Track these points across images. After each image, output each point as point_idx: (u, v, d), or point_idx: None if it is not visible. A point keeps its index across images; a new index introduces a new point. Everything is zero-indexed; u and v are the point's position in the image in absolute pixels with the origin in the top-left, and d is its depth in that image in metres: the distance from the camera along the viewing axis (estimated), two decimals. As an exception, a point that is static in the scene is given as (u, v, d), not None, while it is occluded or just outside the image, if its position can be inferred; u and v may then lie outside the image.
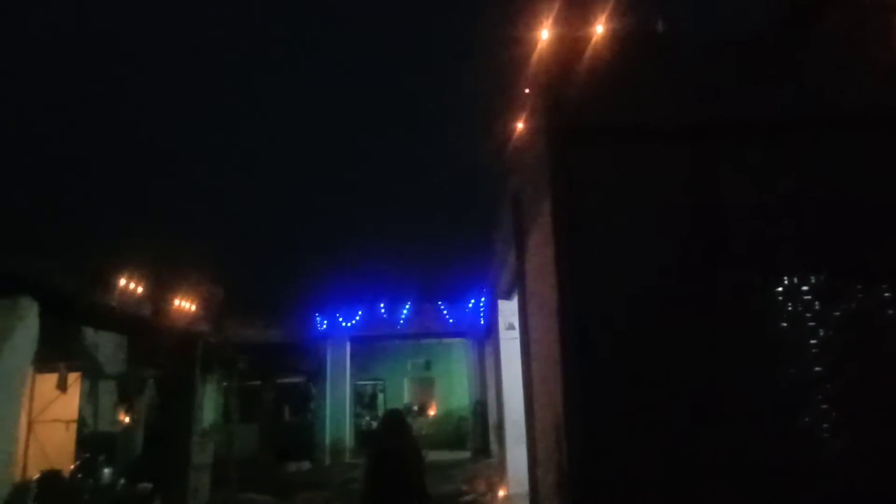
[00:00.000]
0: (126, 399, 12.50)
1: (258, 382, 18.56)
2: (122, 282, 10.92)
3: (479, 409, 18.70)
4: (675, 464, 4.78)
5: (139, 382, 12.81)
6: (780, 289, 5.15)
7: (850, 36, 5.56)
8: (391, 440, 4.93)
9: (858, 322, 5.08)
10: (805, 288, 5.15)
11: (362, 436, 20.28)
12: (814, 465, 4.83)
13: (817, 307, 5.11)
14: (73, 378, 11.23)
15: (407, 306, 19.33)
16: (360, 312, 19.38)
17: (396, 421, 5.17)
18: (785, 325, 5.11)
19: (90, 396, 12.28)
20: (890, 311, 5.10)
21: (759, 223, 5.18)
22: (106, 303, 9.37)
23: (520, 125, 6.74)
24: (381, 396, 24.51)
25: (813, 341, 5.08)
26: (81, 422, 11.55)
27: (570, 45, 5.49)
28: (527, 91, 6.17)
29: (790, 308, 5.14)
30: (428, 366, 23.92)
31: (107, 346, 12.16)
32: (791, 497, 4.74)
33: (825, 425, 4.96)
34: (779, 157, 5.33)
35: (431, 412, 23.12)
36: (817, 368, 5.02)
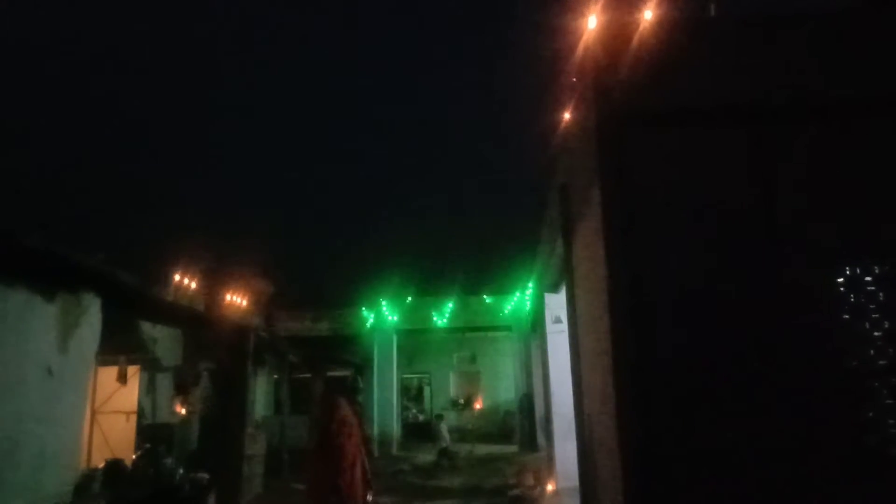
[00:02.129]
0: (182, 391, 12.88)
1: (307, 375, 18.87)
2: (178, 277, 11.26)
3: (526, 402, 18.62)
4: (734, 456, 4.67)
5: (194, 375, 13.19)
6: (842, 279, 4.97)
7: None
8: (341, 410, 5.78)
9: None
10: (869, 278, 4.95)
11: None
12: (879, 461, 4.66)
13: (881, 298, 4.92)
14: (133, 371, 11.67)
15: (452, 299, 19.37)
16: (406, 306, 19.52)
17: (337, 394, 6.07)
18: (847, 315, 4.93)
19: (148, 388, 12.72)
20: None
21: (820, 209, 5.00)
22: (163, 297, 9.67)
23: (568, 113, 6.67)
24: (427, 389, 24.67)
25: (877, 333, 4.89)
26: (141, 413, 11.99)
27: (617, 32, 5.40)
28: (575, 78, 6.09)
29: (853, 298, 4.95)
30: (473, 359, 23.95)
31: (163, 339, 12.57)
32: (855, 492, 4.58)
33: (891, 420, 4.77)
34: (841, 140, 5.13)
35: (477, 405, 23.13)
36: (882, 362, 4.84)
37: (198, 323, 11.58)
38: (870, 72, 5.17)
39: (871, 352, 4.88)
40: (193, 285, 12.01)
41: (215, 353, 12.31)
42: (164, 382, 13.20)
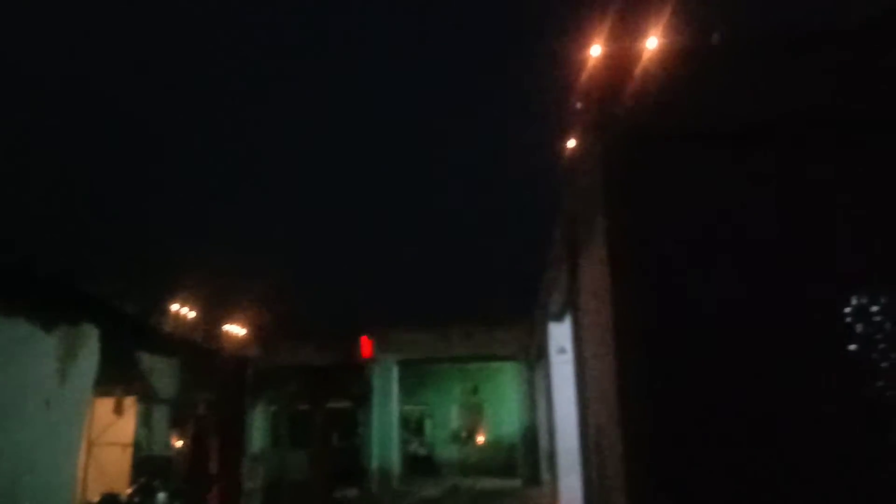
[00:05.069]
0: (179, 423, 12.69)
1: (307, 407, 18.65)
2: (176, 307, 11.19)
3: (530, 435, 18.33)
4: (744, 488, 4.55)
5: (191, 407, 13.01)
6: (849, 308, 4.90)
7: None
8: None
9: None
10: (875, 308, 4.88)
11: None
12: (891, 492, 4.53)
13: (888, 328, 4.84)
14: (129, 402, 11.49)
15: (455, 329, 19.18)
16: (408, 336, 19.34)
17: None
18: (857, 346, 4.85)
19: (145, 420, 12.52)
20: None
21: (840, 233, 4.93)
22: (161, 328, 9.58)
23: (573, 141, 6.67)
24: (428, 422, 24.32)
25: (884, 364, 4.81)
26: (137, 445, 11.78)
27: (621, 60, 5.43)
28: (580, 105, 6.11)
29: (863, 328, 4.88)
30: (476, 391, 23.64)
31: (161, 370, 12.40)
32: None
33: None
34: (845, 165, 5.07)
35: (480, 438, 22.78)
36: (889, 393, 4.74)
37: (196, 353, 11.46)
38: (879, 91, 5.14)
39: (884, 382, 4.78)
40: (192, 315, 11.93)
41: (213, 383, 12.16)
42: (162, 414, 13.00)
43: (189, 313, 12.72)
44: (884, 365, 4.81)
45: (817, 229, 4.96)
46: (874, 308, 4.89)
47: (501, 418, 22.64)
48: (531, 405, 18.54)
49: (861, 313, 4.90)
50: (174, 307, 12.29)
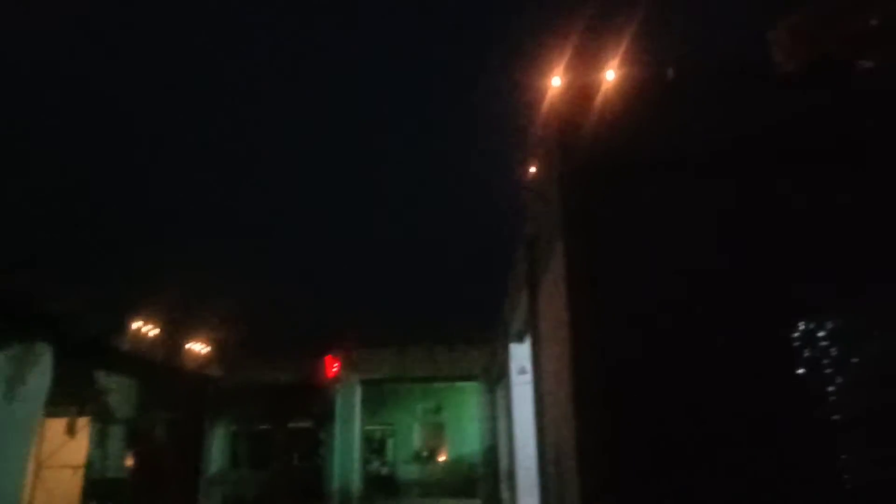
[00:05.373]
0: (135, 444, 12.39)
1: (268, 426, 18.36)
2: (136, 325, 10.98)
3: (490, 455, 18.35)
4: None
5: (149, 427, 12.73)
6: (797, 334, 5.09)
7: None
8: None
9: (882, 369, 4.96)
10: (822, 334, 5.07)
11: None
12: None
13: (834, 353, 5.03)
14: (83, 422, 11.18)
15: (418, 349, 19.16)
16: (371, 355, 19.25)
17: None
18: (805, 370, 5.03)
19: (99, 441, 12.19)
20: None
21: (781, 261, 5.11)
22: (120, 346, 9.40)
23: (534, 168, 6.82)
24: (390, 441, 24.14)
25: (830, 388, 4.99)
26: (90, 467, 11.44)
27: (579, 91, 5.60)
28: (539, 136, 6.26)
29: (808, 353, 5.06)
30: (438, 410, 23.58)
31: (118, 389, 12.13)
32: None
33: (846, 476, 4.83)
34: (802, 189, 5.27)
35: (441, 458, 22.70)
36: (835, 417, 4.92)
37: (155, 372, 11.24)
38: (831, 119, 5.40)
39: (828, 405, 4.96)
40: (153, 333, 11.72)
41: (173, 403, 11.93)
42: (117, 434, 12.68)
43: (150, 331, 12.49)
44: (830, 389, 5.00)
45: (774, 253, 5.15)
46: (820, 334, 5.09)
47: (463, 438, 22.60)
48: (492, 425, 18.58)
49: (809, 338, 5.08)
50: (134, 325, 12.06)
